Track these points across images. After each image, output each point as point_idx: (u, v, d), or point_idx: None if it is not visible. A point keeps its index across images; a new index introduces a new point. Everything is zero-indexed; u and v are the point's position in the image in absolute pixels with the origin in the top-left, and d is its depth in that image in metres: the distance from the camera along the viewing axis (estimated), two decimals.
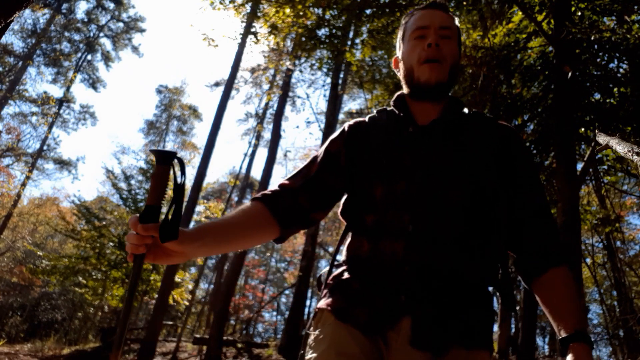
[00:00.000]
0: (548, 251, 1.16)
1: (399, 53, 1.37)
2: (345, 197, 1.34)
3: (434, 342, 1.05)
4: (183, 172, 1.03)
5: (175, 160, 1.02)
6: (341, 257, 1.29)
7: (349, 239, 1.27)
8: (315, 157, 1.34)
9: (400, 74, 1.35)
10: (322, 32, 8.48)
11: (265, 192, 1.26)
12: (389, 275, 1.11)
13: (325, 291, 1.23)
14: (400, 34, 1.38)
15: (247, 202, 1.26)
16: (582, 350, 1.02)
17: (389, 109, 1.37)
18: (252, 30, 10.72)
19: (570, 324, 1.06)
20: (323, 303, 1.20)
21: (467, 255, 1.12)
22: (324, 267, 1.35)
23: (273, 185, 1.31)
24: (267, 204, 1.23)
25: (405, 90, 1.34)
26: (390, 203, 1.16)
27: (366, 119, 1.37)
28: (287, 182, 1.29)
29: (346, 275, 1.20)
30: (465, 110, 1.31)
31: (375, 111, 1.39)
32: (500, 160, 1.22)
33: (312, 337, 1.17)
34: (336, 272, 1.26)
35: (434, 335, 1.05)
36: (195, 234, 1.07)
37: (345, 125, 1.37)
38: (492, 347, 1.12)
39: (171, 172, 1.02)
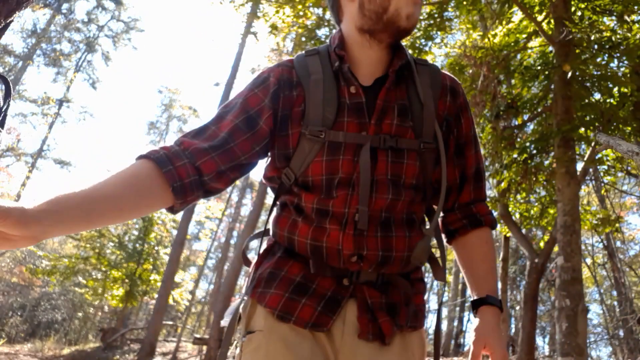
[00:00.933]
0: (475, 212, 1.15)
1: None
2: (269, 161, 1.13)
3: (384, 333, 1.00)
4: (8, 95, 0.73)
5: None
6: (271, 229, 1.13)
7: (279, 211, 1.12)
8: (229, 110, 1.06)
9: (358, 1, 1.06)
10: (322, 32, 8.48)
11: (158, 150, 0.97)
12: (332, 264, 1.02)
13: (258, 277, 1.07)
14: None
15: (132, 163, 0.96)
16: (491, 312, 1.06)
17: (321, 50, 1.11)
18: (252, 30, 10.73)
19: (484, 288, 1.09)
20: (259, 295, 1.04)
21: (413, 238, 1.06)
22: None
23: (179, 140, 1.01)
24: (160, 167, 0.94)
25: (359, 23, 1.06)
26: (332, 186, 1.02)
27: (294, 64, 1.10)
28: (188, 140, 1.00)
29: (282, 260, 1.07)
30: (410, 59, 1.11)
31: (304, 52, 1.12)
32: (447, 119, 1.12)
33: (246, 342, 1.02)
34: (269, 252, 1.12)
35: (383, 326, 1.00)
36: (49, 212, 0.77)
37: (271, 75, 1.08)
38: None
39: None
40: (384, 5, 1.02)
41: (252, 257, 1.20)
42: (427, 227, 1.16)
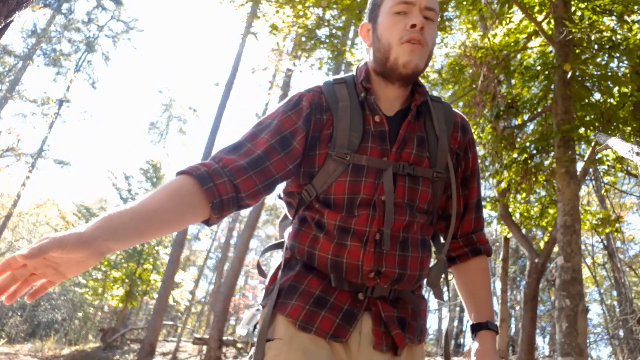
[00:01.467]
0: (476, 241, 1.27)
1: (366, 20, 1.22)
2: (292, 178, 1.20)
3: (396, 344, 1.08)
4: None
5: None
6: (289, 242, 1.19)
7: (298, 226, 1.17)
8: (262, 129, 1.12)
9: (372, 48, 1.18)
10: (322, 32, 8.48)
11: (199, 167, 1.02)
12: (350, 279, 1.09)
13: (277, 289, 1.12)
14: (371, 0, 1.21)
15: (174, 179, 1.02)
16: (490, 337, 1.18)
17: (348, 80, 1.21)
18: (252, 30, 10.74)
19: (484, 314, 1.21)
20: (279, 305, 1.10)
21: (424, 258, 1.16)
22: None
23: (217, 156, 1.07)
24: (202, 184, 1.00)
25: (372, 66, 1.19)
26: (354, 205, 1.10)
27: (323, 90, 1.19)
28: (225, 156, 1.06)
29: (302, 274, 1.13)
30: (428, 97, 1.22)
31: (332, 80, 1.22)
32: (457, 153, 1.24)
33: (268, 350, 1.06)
34: (286, 265, 1.17)
35: (396, 338, 1.08)
36: (104, 228, 0.85)
37: (303, 99, 1.16)
38: None
39: None
40: (386, 54, 1.13)
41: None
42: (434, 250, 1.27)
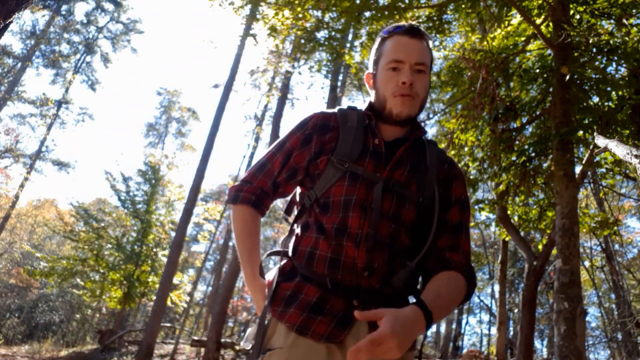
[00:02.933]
0: (448, 257, 1.30)
1: (371, 69, 1.42)
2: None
3: None
4: None
5: None
6: (292, 248, 1.33)
7: (302, 232, 1.32)
8: (279, 150, 1.40)
9: (372, 95, 1.40)
10: (321, 34, 8.49)
11: (248, 197, 1.37)
12: (346, 279, 1.20)
13: (277, 297, 1.25)
14: (374, 52, 1.41)
15: (244, 211, 1.37)
16: (415, 311, 1.08)
17: (359, 110, 1.42)
18: (252, 32, 10.74)
19: (432, 302, 1.13)
20: (279, 314, 1.21)
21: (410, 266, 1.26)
22: None
23: (253, 180, 1.40)
24: (258, 209, 1.39)
25: (374, 107, 1.40)
26: (350, 206, 1.25)
27: (336, 113, 1.42)
28: (258, 179, 1.40)
29: (301, 284, 1.24)
30: (424, 136, 1.42)
31: (347, 107, 1.44)
32: (444, 182, 1.38)
33: (266, 358, 1.17)
34: (287, 273, 1.29)
35: None
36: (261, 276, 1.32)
37: (311, 121, 1.41)
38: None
39: None
40: (383, 104, 1.35)
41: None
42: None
